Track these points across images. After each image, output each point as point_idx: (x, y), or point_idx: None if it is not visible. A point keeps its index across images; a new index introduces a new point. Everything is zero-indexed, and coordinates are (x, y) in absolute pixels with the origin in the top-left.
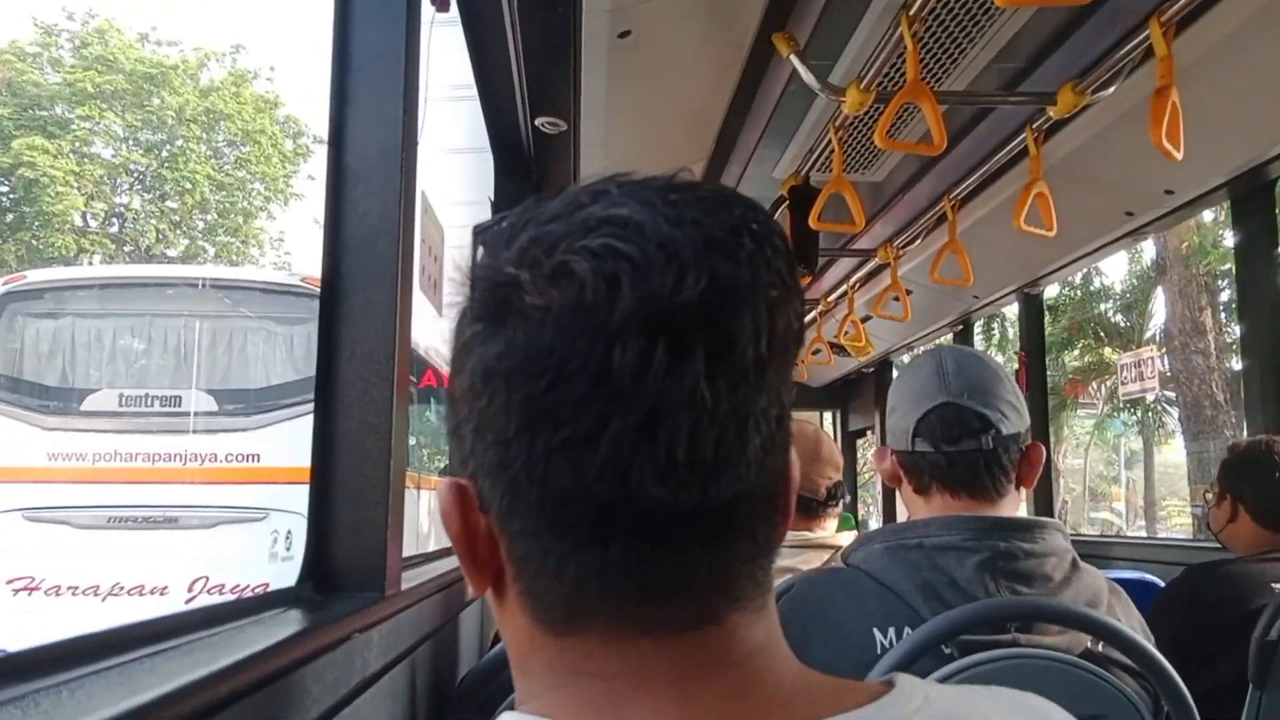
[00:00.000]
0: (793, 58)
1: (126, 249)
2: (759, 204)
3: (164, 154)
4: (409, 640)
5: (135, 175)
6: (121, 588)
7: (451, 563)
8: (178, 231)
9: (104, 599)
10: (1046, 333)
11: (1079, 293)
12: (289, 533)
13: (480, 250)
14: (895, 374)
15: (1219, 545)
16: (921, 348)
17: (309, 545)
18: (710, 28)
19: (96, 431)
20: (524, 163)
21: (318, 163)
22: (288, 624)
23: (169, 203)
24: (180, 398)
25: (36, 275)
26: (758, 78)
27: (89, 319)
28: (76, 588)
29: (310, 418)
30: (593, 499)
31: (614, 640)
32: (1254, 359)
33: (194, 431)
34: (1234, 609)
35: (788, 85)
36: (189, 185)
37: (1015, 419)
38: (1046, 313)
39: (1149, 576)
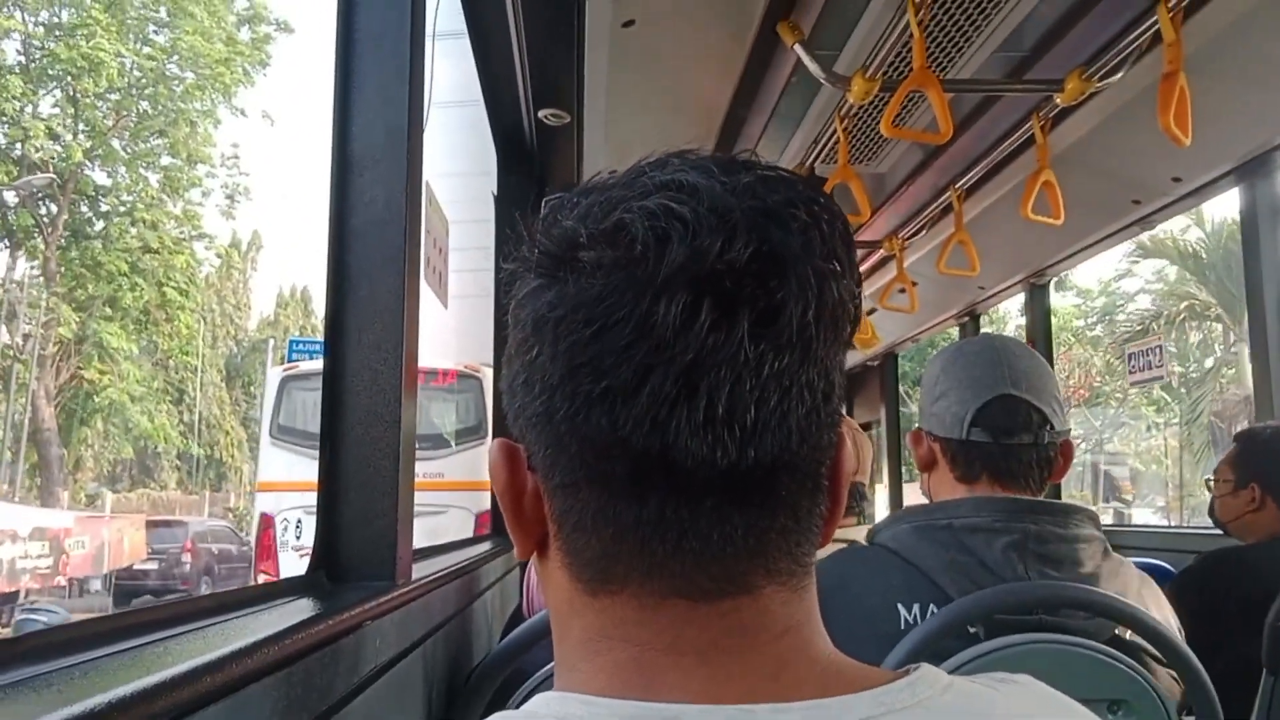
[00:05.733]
0: (797, 47)
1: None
2: (821, 189)
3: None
4: (421, 630)
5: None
6: None
7: (463, 554)
8: (103, 142)
9: None
10: None
11: None
12: (460, 522)
13: (547, 214)
14: (941, 357)
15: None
16: (930, 340)
17: (319, 534)
18: (714, 17)
19: None
20: (527, 155)
21: (279, 52)
22: (300, 611)
23: (88, 111)
24: None
25: (304, 365)
26: (762, 68)
27: None
28: None
29: (468, 451)
30: (629, 449)
31: (648, 604)
32: (1261, 347)
33: None
34: (1248, 595)
35: (792, 75)
36: (89, 69)
37: (1063, 415)
38: None
39: (1161, 563)
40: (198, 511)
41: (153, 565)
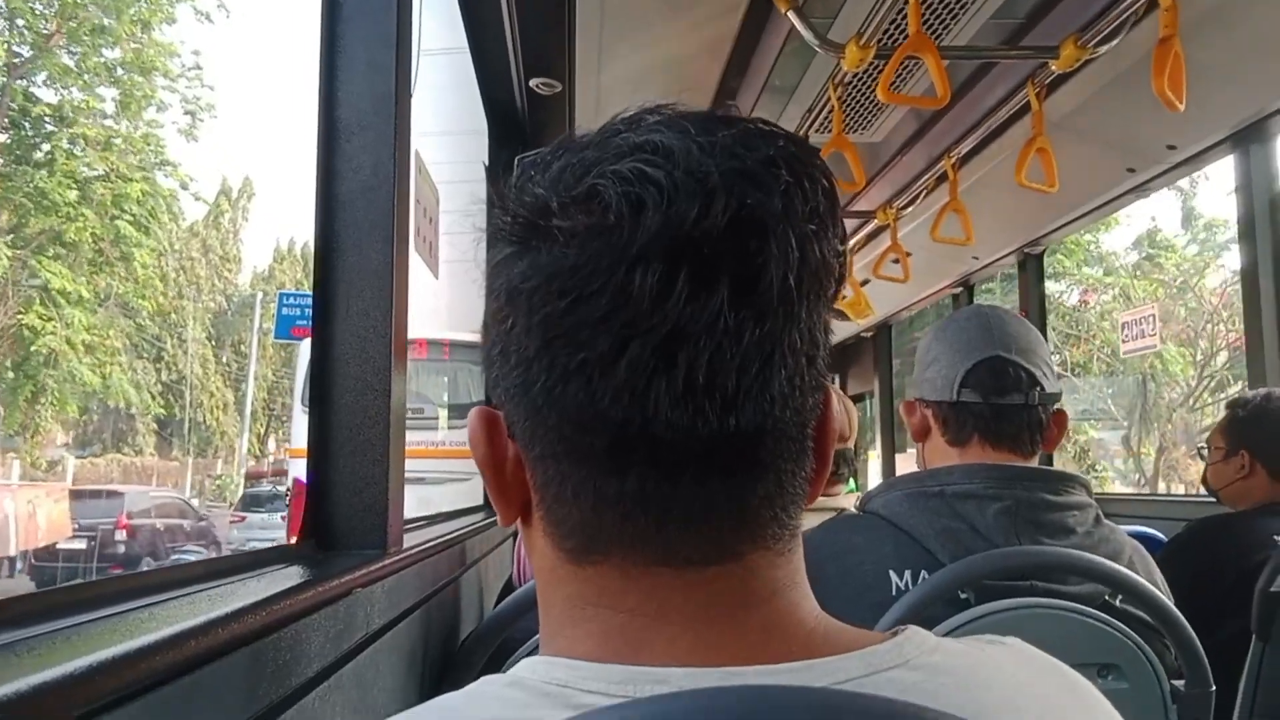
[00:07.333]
0: (791, 14)
1: None
2: (805, 140)
3: None
4: (412, 598)
5: None
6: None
7: (453, 525)
8: (40, 42)
9: None
10: None
11: None
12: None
13: (519, 177)
14: (933, 328)
15: (1214, 500)
16: (923, 310)
17: (309, 502)
18: None
19: None
20: (518, 126)
21: None
22: (290, 578)
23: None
24: (423, 409)
25: None
26: (755, 35)
27: None
28: None
29: None
30: (608, 422)
31: (632, 572)
32: (1255, 313)
33: (436, 429)
34: (1238, 562)
35: (786, 43)
36: None
37: (1054, 380)
38: None
39: (1151, 531)
40: (179, 479)
41: (80, 545)
